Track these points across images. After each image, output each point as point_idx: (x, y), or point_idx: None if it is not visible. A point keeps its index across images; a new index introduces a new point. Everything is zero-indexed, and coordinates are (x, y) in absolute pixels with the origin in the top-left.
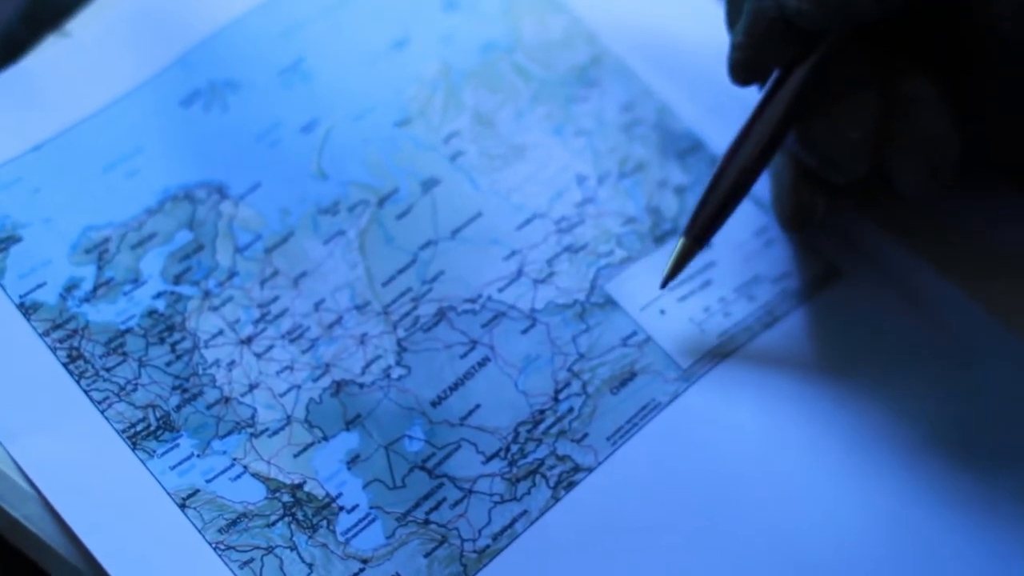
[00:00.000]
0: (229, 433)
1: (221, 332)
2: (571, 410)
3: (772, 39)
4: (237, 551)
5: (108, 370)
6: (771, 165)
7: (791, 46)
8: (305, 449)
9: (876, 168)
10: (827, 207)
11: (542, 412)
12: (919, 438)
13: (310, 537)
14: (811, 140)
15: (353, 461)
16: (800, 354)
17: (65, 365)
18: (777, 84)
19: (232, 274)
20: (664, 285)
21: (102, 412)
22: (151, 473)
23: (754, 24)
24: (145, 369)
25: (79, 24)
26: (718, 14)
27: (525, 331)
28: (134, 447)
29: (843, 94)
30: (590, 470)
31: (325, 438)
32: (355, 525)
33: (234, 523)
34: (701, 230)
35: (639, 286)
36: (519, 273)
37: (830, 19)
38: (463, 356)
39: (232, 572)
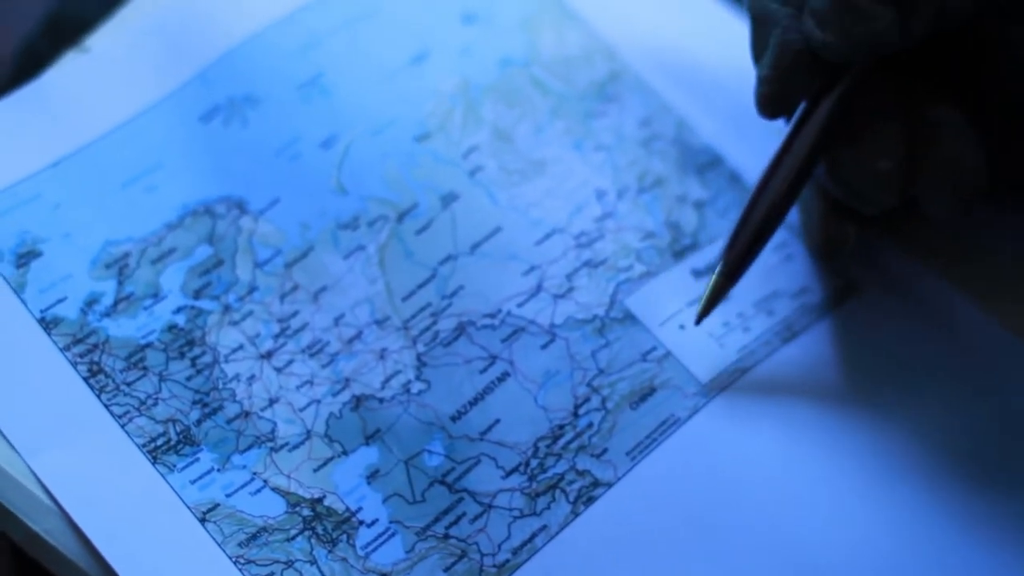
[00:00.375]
0: (249, 447)
1: (241, 347)
2: (591, 425)
3: (798, 72)
4: (257, 565)
5: (128, 384)
6: (800, 197)
7: (817, 78)
8: (325, 463)
9: (904, 196)
10: (857, 236)
11: (562, 427)
12: (938, 455)
13: (330, 551)
14: (839, 172)
15: (373, 476)
16: (819, 369)
17: (86, 379)
18: (804, 117)
19: (252, 289)
20: (699, 322)
21: (122, 426)
22: (171, 487)
23: (780, 57)
24: (165, 383)
25: (99, 40)
26: (736, 29)
27: (544, 346)
28: (154, 461)
29: (868, 125)
30: (609, 485)
31: (345, 452)
32: (375, 539)
33: (254, 537)
34: (734, 266)
35: (658, 301)
36: (538, 288)
37: (855, 51)
38: (483, 371)
39: None
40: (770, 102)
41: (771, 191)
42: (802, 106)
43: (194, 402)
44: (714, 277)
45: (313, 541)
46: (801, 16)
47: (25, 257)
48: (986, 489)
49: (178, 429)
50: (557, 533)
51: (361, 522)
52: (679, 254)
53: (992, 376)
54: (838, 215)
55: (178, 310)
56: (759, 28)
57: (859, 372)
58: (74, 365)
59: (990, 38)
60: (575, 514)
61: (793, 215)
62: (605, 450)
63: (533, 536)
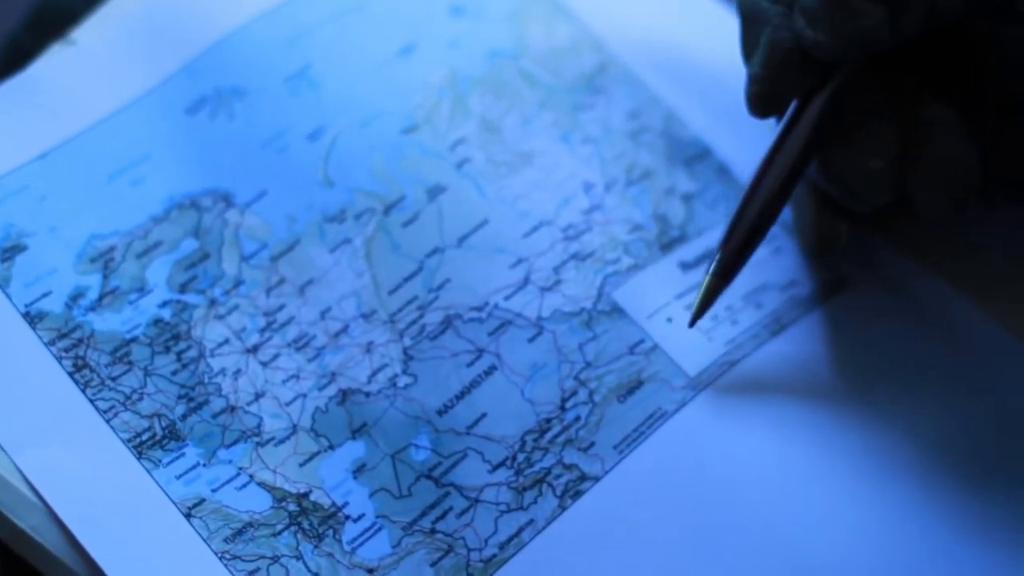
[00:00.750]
0: (235, 442)
1: (227, 341)
2: (578, 419)
3: (789, 70)
4: (243, 560)
5: (114, 379)
6: (792, 195)
7: (808, 77)
8: (311, 458)
9: (896, 195)
10: (850, 233)
11: (549, 421)
12: (931, 453)
13: (316, 546)
14: (831, 171)
15: (359, 470)
16: (807, 362)
17: (71, 374)
18: (795, 115)
19: (238, 282)
20: (692, 324)
21: (108, 421)
22: (157, 483)
23: (771, 56)
24: (151, 378)
25: (84, 32)
26: (724, 21)
27: (532, 339)
28: (140, 456)
29: (860, 124)
30: (597, 479)
31: (331, 447)
32: (361, 534)
33: (240, 532)
34: (727, 265)
35: (646, 294)
36: (526, 281)
37: (846, 49)
38: (469, 364)
39: None
40: (761, 101)
41: (764, 190)
42: (793, 104)
43: (179, 397)
44: (707, 278)
45: (299, 536)
46: (791, 14)
47: (10, 251)
48: (980, 488)
49: (163, 424)
50: (544, 527)
51: (347, 517)
52: (667, 247)
53: (987, 374)
54: (831, 213)
55: (163, 304)
56: (749, 26)
57: (850, 367)
58: (59, 360)
59: (981, 37)
60: (562, 508)
61: (786, 212)
62: (592, 444)
63: (520, 530)
